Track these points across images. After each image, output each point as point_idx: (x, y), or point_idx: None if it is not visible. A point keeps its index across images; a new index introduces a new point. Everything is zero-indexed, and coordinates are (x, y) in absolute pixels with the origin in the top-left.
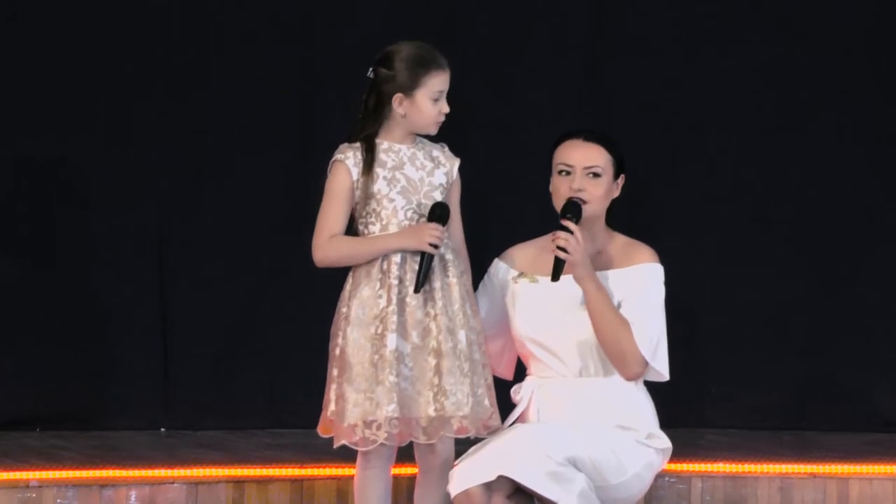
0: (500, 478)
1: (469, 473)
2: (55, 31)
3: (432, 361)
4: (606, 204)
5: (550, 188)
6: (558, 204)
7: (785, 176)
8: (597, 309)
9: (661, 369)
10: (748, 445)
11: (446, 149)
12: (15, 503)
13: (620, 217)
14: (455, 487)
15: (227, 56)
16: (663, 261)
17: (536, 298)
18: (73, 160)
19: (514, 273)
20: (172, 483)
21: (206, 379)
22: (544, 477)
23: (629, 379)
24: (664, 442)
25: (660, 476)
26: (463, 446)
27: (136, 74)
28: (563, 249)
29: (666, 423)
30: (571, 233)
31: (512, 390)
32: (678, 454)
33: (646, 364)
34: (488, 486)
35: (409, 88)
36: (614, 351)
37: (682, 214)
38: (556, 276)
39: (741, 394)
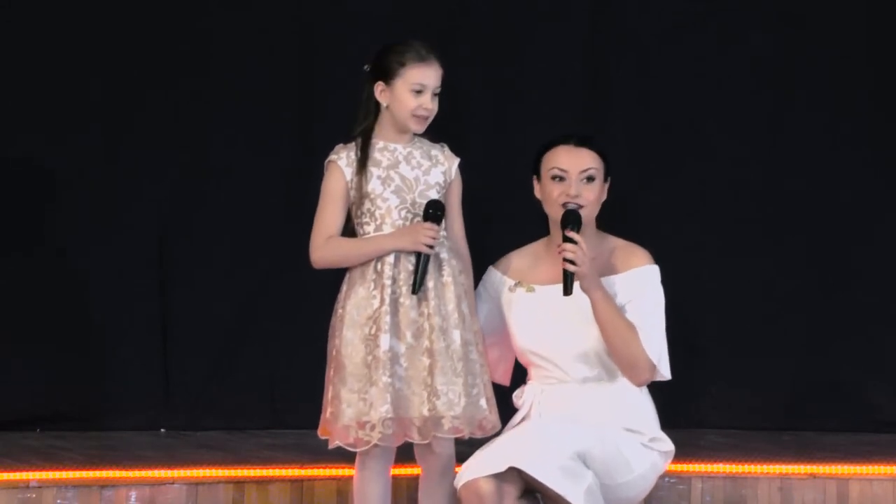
0: (511, 475)
1: (478, 466)
2: (55, 31)
3: (426, 361)
4: (599, 208)
5: (537, 194)
6: (551, 210)
7: (785, 176)
8: (605, 317)
9: (663, 371)
10: (748, 445)
11: (446, 148)
12: (15, 503)
13: (621, 217)
14: (463, 480)
15: (227, 56)
16: (663, 260)
17: (533, 308)
18: (73, 160)
19: (511, 282)
20: (172, 483)
21: (206, 379)
22: (555, 470)
23: (639, 384)
24: (667, 445)
25: (660, 476)
26: (464, 447)
27: (135, 74)
28: (572, 262)
29: (666, 424)
30: (576, 243)
31: (514, 395)
32: (678, 454)
33: (654, 368)
34: (499, 487)
35: (389, 77)
36: (625, 358)
37: (682, 214)
38: (568, 290)
39: (741, 394)
